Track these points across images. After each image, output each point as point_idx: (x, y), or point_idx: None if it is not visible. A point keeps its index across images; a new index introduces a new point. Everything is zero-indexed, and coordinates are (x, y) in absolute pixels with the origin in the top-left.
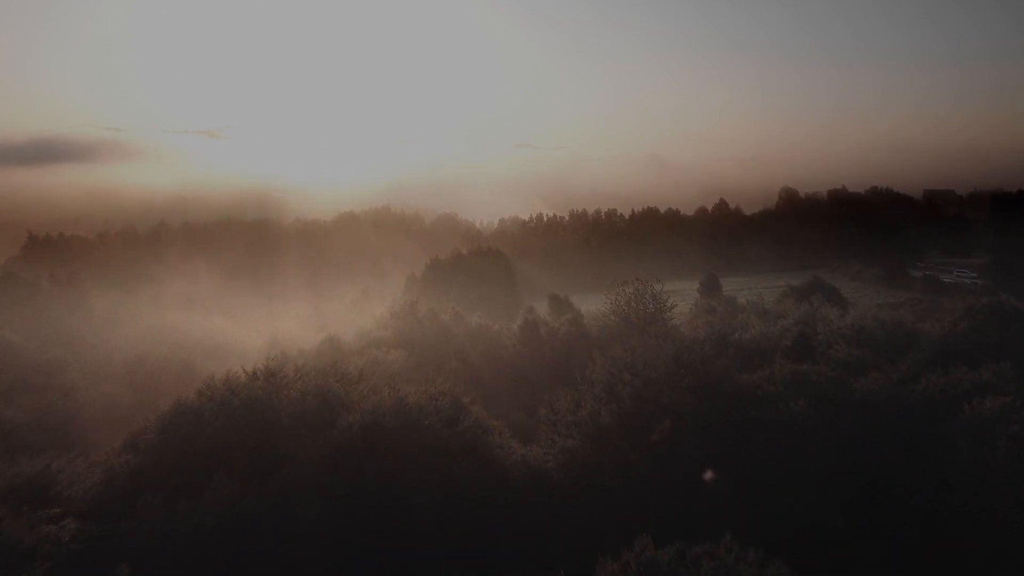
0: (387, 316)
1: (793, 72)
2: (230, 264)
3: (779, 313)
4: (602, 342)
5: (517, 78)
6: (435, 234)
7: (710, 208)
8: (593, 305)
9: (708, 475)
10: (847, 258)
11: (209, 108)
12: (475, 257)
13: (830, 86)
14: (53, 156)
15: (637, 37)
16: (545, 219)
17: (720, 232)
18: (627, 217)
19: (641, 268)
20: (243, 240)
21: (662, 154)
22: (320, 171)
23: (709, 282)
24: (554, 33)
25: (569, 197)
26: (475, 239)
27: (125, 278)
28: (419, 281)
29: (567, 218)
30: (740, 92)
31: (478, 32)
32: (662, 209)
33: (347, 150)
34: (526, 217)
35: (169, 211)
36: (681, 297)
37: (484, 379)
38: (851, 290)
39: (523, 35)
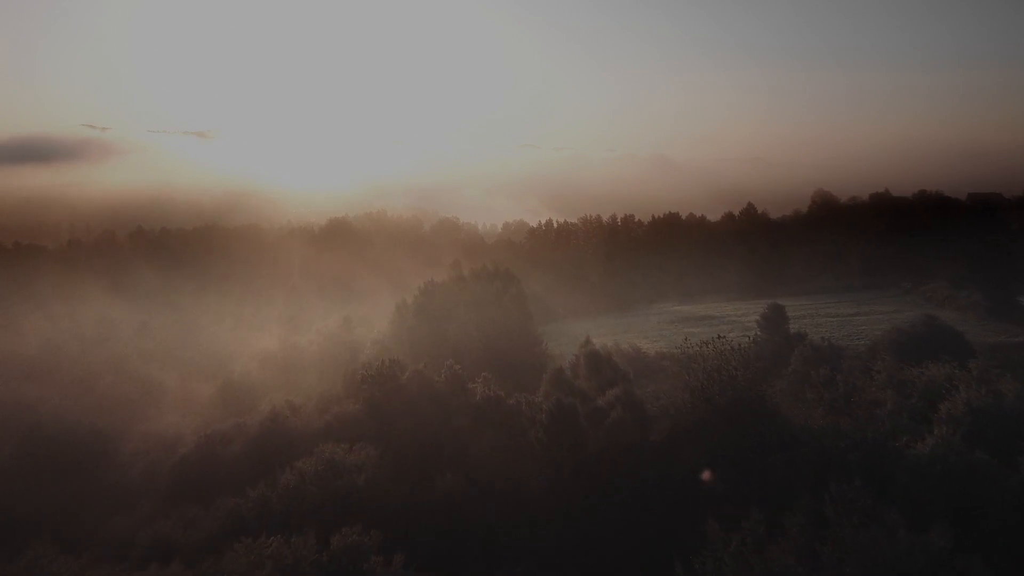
0: (359, 378)
1: (798, 73)
2: (203, 279)
3: (929, 386)
4: (675, 439)
5: (519, 77)
6: (434, 241)
7: (737, 213)
8: (622, 332)
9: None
10: (918, 276)
11: (201, 109)
12: (479, 280)
13: (836, 87)
14: (36, 156)
15: (640, 37)
16: (555, 225)
17: (753, 242)
18: (646, 224)
19: (669, 286)
20: (223, 249)
21: (667, 154)
22: (315, 173)
23: (774, 314)
24: (557, 33)
25: (572, 198)
26: (477, 248)
27: (79, 296)
28: (411, 309)
29: (579, 224)
30: (744, 92)
31: (478, 30)
32: (683, 214)
33: (344, 151)
34: (532, 222)
35: (154, 214)
36: (728, 326)
37: (499, 496)
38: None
39: (525, 34)
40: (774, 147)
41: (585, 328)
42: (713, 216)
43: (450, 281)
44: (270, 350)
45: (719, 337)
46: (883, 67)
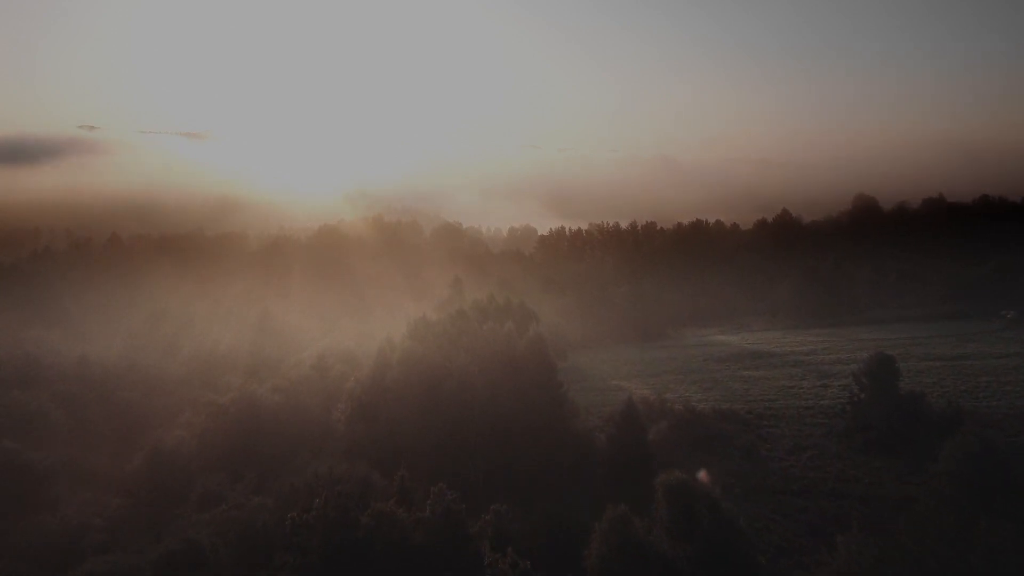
0: (289, 525)
1: (802, 73)
2: (171, 296)
3: None
4: None
5: (521, 78)
6: (434, 249)
7: (770, 219)
8: (660, 373)
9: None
10: (1018, 301)
11: (198, 109)
12: (487, 320)
13: (841, 87)
14: (17, 157)
15: (642, 37)
16: (568, 233)
17: (798, 255)
18: (670, 231)
19: (705, 307)
20: (200, 261)
21: (671, 155)
22: (311, 176)
23: (881, 368)
24: (558, 32)
25: (575, 200)
26: (482, 259)
27: (23, 321)
28: (398, 352)
29: (595, 233)
30: (747, 93)
31: (479, 30)
32: (693, 217)
33: (342, 153)
34: (537, 224)
35: (137, 218)
36: (796, 370)
37: None
38: None
39: (527, 34)
40: (778, 148)
41: (611, 364)
42: (733, 221)
43: (448, 317)
44: (221, 403)
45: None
46: (889, 68)
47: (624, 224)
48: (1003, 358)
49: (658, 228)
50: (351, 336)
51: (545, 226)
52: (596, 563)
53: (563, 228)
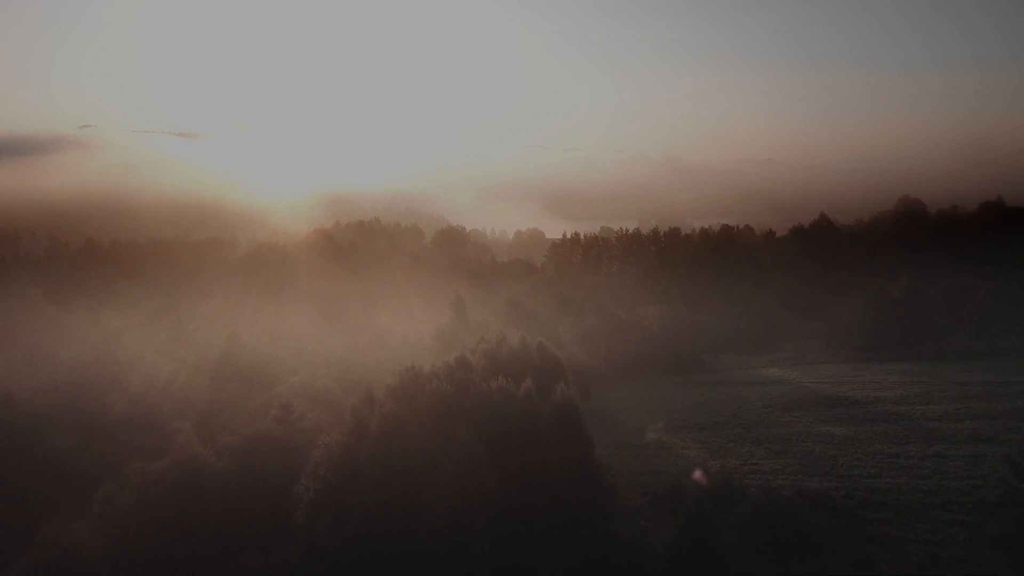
0: None
1: (807, 74)
2: (134, 312)
3: None
4: None
5: (528, 80)
6: (436, 258)
7: (807, 225)
8: (709, 425)
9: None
10: None
11: (196, 109)
12: (498, 373)
13: (847, 88)
14: (8, 154)
15: (648, 39)
16: (582, 239)
17: (845, 267)
18: (696, 238)
19: (745, 330)
20: (176, 269)
21: (678, 155)
22: (311, 177)
23: None
24: (564, 34)
25: (579, 200)
26: (487, 272)
27: None
28: (378, 419)
29: (613, 241)
30: (754, 94)
31: (484, 33)
32: (701, 218)
33: (343, 154)
34: (542, 226)
35: (120, 219)
36: (892, 427)
37: None
38: None
39: (533, 36)
40: (784, 148)
41: (645, 406)
42: (768, 227)
43: (445, 368)
44: (153, 470)
45: None
46: (894, 69)
47: (639, 227)
48: None
49: (682, 234)
50: (335, 368)
51: (551, 228)
52: None
53: (577, 235)
